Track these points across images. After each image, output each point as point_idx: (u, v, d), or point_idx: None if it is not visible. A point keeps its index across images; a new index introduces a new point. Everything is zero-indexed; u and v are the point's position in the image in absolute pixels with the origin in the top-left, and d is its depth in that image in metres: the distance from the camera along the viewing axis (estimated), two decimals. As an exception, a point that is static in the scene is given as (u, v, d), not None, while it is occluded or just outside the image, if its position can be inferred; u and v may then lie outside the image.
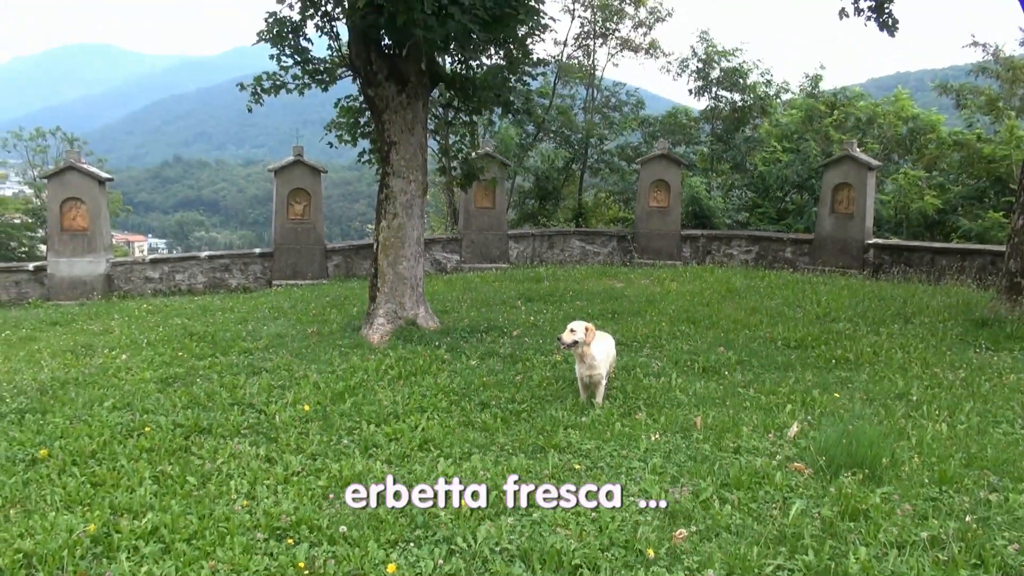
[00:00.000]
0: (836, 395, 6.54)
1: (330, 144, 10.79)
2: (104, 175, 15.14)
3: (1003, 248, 11.15)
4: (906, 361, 7.72)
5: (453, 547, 3.87)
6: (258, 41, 9.27)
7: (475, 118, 11.42)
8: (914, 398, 6.44)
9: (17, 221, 29.90)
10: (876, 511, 4.15)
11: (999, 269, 11.64)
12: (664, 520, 4.16)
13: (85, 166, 14.84)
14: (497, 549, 3.85)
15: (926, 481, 4.60)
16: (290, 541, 3.92)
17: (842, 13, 10.60)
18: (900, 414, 5.98)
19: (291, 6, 9.08)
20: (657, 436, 5.48)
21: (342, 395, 6.56)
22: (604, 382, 6.35)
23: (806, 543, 3.83)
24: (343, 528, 4.02)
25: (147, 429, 5.65)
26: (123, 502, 4.39)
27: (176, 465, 4.98)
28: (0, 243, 28.37)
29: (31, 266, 14.81)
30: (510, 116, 12.24)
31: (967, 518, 4.06)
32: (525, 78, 10.39)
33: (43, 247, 25.79)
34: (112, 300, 13.87)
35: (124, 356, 8.24)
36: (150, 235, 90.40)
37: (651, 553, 3.76)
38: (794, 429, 5.52)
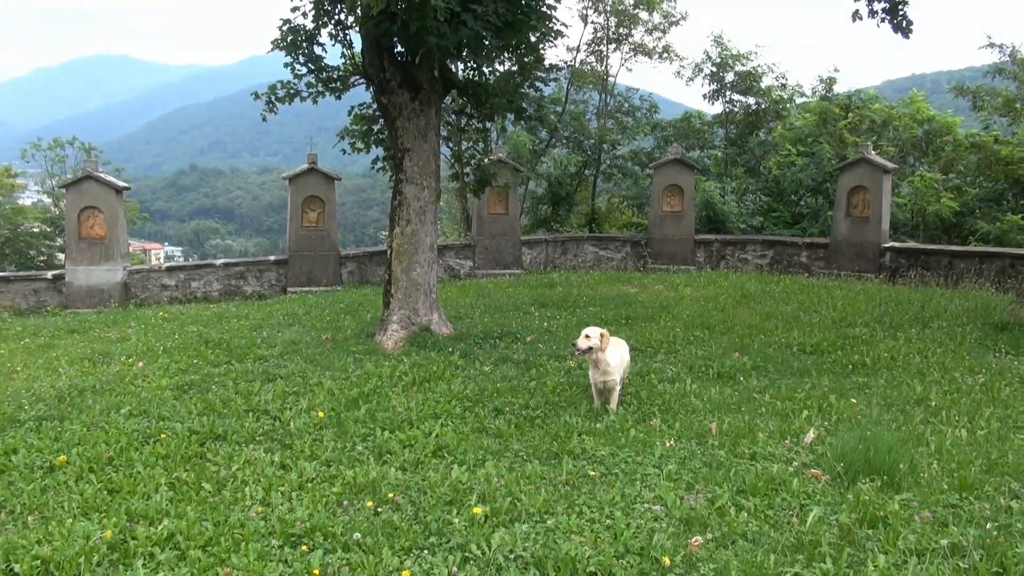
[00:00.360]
0: (853, 401, 6.47)
1: (343, 151, 10.86)
2: (121, 184, 15.29)
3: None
4: (924, 366, 7.64)
5: (467, 554, 3.86)
6: (272, 50, 9.37)
7: (488, 124, 11.45)
8: (933, 403, 6.36)
9: (36, 230, 30.31)
10: (895, 518, 4.10)
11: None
12: (680, 527, 4.13)
13: (102, 175, 15.02)
14: (511, 556, 3.83)
15: (946, 488, 4.54)
16: (304, 548, 3.93)
17: (856, 15, 10.51)
18: (918, 420, 5.91)
19: (305, 15, 9.17)
20: (672, 442, 5.45)
21: (356, 401, 6.58)
22: (618, 388, 6.32)
23: (824, 551, 3.78)
24: (357, 535, 4.02)
25: (163, 436, 5.69)
26: (139, 508, 4.42)
27: (192, 472, 5.01)
28: (19, 252, 28.75)
29: (49, 274, 14.97)
30: (523, 122, 12.26)
31: (988, 525, 3.99)
32: (538, 84, 10.40)
33: (61, 255, 26.06)
34: (129, 308, 14.00)
35: (141, 363, 8.32)
36: (166, 243, 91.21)
37: (667, 560, 3.73)
38: (811, 435, 5.47)
